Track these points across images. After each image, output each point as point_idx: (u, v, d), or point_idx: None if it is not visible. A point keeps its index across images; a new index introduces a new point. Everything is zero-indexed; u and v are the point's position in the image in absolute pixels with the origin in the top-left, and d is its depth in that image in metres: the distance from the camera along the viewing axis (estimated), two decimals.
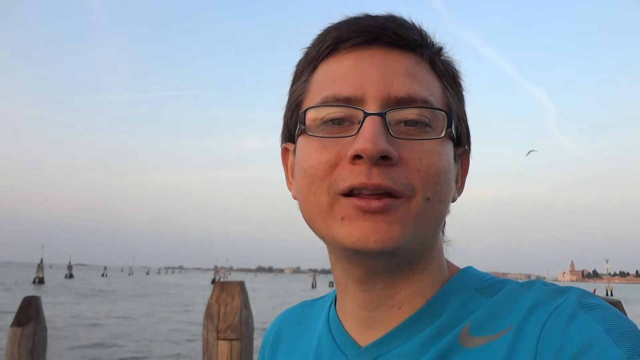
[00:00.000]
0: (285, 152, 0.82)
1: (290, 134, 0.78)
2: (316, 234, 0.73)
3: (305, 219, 0.73)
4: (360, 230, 0.64)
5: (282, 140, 0.82)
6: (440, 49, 0.75)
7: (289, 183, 0.82)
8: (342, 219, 0.66)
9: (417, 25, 0.74)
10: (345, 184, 0.65)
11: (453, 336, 0.67)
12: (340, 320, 0.80)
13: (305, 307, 0.95)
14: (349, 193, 0.65)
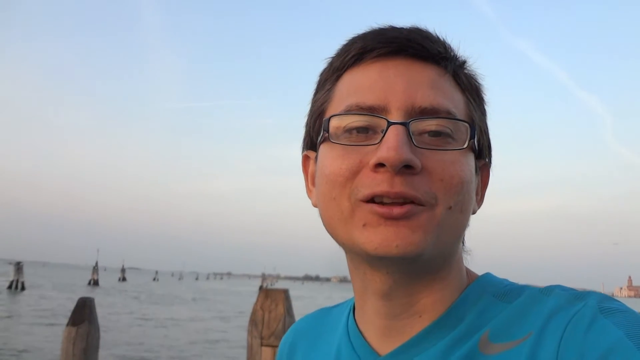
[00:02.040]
0: (306, 159, 0.83)
1: (312, 142, 0.78)
2: (336, 240, 0.72)
3: (325, 226, 0.73)
4: (381, 236, 0.64)
5: (303, 148, 0.83)
6: (464, 62, 0.76)
7: (308, 191, 0.82)
8: (364, 225, 0.65)
9: (442, 39, 0.74)
10: (367, 191, 0.65)
11: (473, 344, 0.67)
12: (359, 329, 0.79)
13: (323, 314, 0.93)
14: (370, 200, 0.65)
